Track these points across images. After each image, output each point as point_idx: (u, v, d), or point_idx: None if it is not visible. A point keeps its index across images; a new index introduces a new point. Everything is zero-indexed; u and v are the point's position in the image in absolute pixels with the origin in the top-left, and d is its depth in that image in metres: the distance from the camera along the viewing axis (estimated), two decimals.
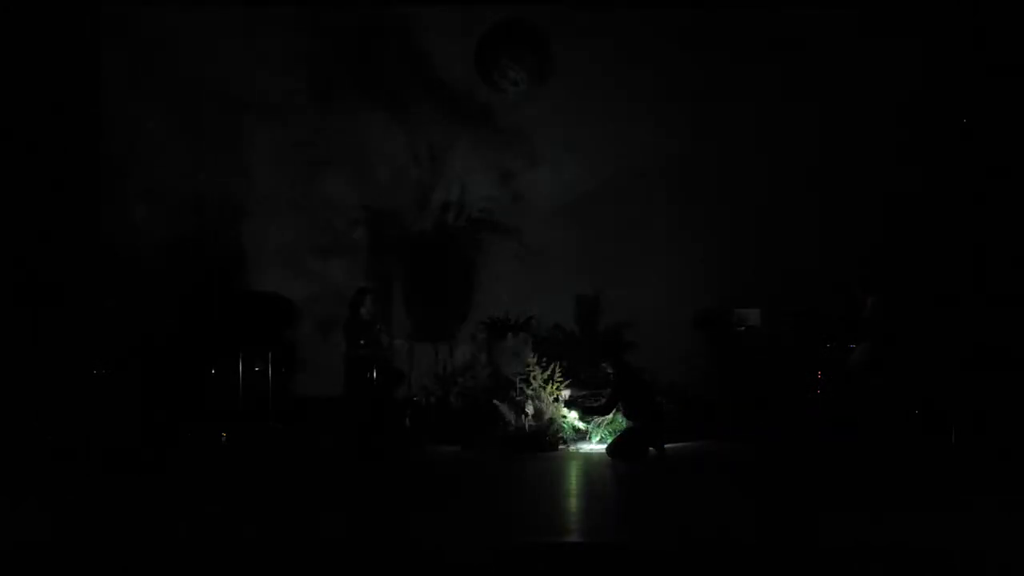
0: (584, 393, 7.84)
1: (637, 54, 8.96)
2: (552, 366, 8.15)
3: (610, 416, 7.63)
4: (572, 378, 7.98)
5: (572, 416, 7.70)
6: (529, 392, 7.95)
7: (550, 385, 7.95)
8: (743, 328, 8.32)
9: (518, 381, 8.18)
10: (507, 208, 8.46)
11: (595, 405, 7.56)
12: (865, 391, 7.58)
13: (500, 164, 8.98)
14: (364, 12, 8.99)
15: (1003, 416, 7.60)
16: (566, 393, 7.71)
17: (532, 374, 8.11)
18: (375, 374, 7.93)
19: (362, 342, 8.06)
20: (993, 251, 8.48)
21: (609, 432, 7.65)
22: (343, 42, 8.98)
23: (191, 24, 8.91)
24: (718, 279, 8.84)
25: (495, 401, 8.14)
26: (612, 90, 8.97)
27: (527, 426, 7.51)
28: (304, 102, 8.99)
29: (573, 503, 5.92)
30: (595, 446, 7.59)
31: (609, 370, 7.47)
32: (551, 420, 7.63)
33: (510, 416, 7.77)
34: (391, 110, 9.00)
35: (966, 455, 7.02)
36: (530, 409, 7.70)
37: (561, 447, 7.42)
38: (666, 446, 7.14)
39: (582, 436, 7.75)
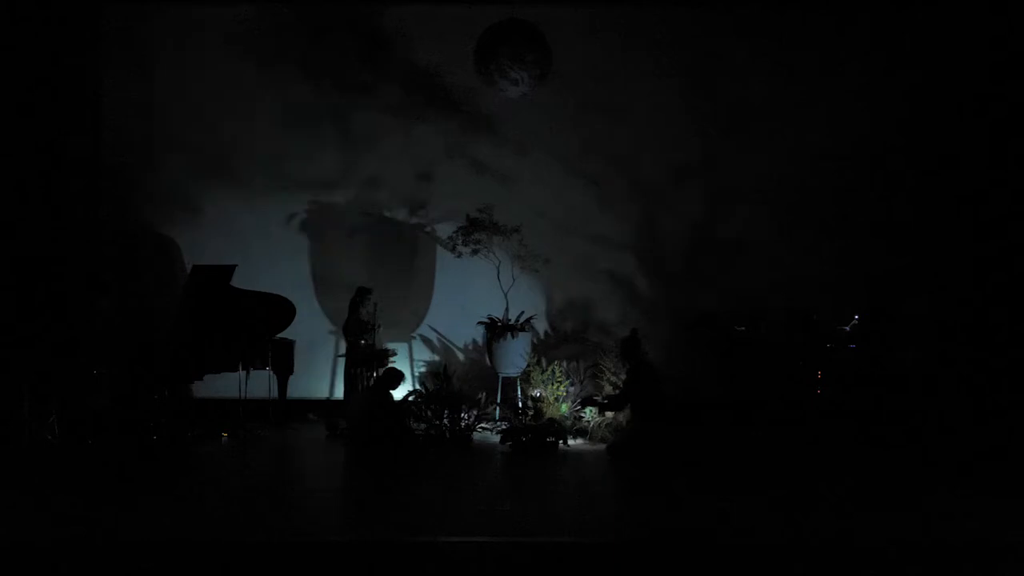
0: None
1: (638, 53, 8.96)
2: (551, 365, 8.16)
3: (609, 416, 7.64)
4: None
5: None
6: (529, 392, 7.97)
7: (551, 384, 7.97)
8: (742, 328, 8.32)
9: (518, 381, 8.20)
10: (506, 208, 8.45)
11: (604, 401, 7.57)
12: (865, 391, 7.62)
13: (500, 163, 8.98)
14: (363, 12, 8.99)
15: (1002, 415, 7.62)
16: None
17: (532, 373, 8.13)
18: (375, 374, 7.95)
19: (363, 342, 8.07)
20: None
21: (609, 431, 7.66)
22: (342, 42, 8.98)
23: (190, 23, 8.91)
24: (718, 279, 8.86)
25: (494, 401, 8.16)
26: (613, 89, 8.97)
27: (526, 425, 7.51)
28: (303, 101, 8.99)
29: (572, 502, 5.93)
30: (593, 444, 7.60)
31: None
32: (551, 419, 7.63)
33: (509, 415, 7.77)
34: (390, 109, 8.99)
35: (965, 454, 7.02)
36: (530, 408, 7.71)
37: (561, 445, 7.41)
38: (666, 446, 7.13)
39: (582, 434, 7.77)
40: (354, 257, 9.02)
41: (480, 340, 8.69)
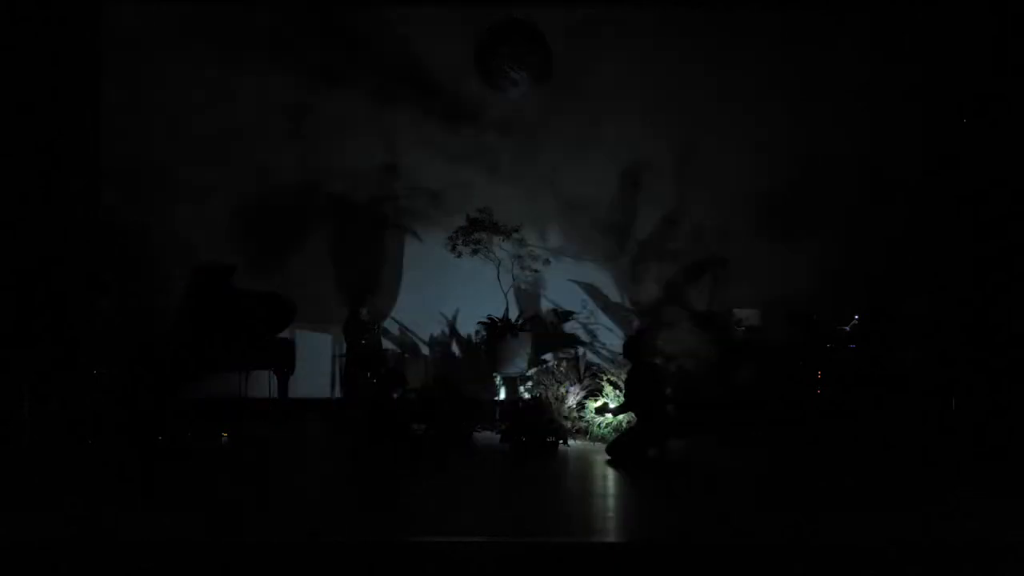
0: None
1: (637, 53, 8.96)
2: (551, 365, 8.15)
3: (611, 418, 7.63)
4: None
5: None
6: (530, 391, 7.96)
7: (551, 385, 7.96)
8: (743, 328, 8.32)
9: (518, 381, 8.20)
10: (507, 208, 8.45)
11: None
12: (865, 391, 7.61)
13: (500, 164, 8.99)
14: (363, 12, 8.99)
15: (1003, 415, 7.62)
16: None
17: (532, 374, 8.12)
18: (374, 375, 7.94)
19: (363, 342, 8.07)
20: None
21: (610, 431, 7.64)
22: (342, 41, 8.99)
23: (190, 23, 8.91)
24: (718, 279, 8.86)
25: (495, 401, 8.16)
26: (612, 90, 8.97)
27: (526, 425, 7.50)
28: (303, 100, 8.99)
29: (572, 502, 5.93)
30: (593, 444, 7.60)
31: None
32: (551, 419, 7.62)
33: (509, 415, 7.76)
34: (390, 110, 9.00)
35: (965, 454, 7.02)
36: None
37: (561, 445, 7.41)
38: (666, 446, 7.12)
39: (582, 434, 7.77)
40: (357, 253, 9.03)
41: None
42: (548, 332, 8.92)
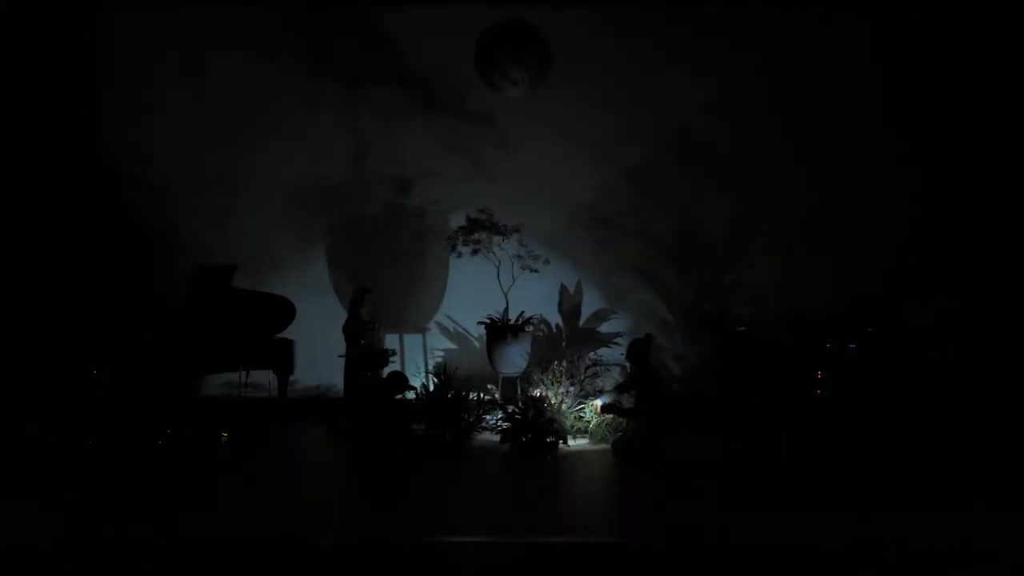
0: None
1: (637, 53, 8.96)
2: (552, 365, 8.14)
3: (608, 417, 7.61)
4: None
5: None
6: (530, 391, 7.95)
7: (551, 385, 7.95)
8: (743, 328, 8.32)
9: (518, 380, 8.19)
10: (507, 208, 8.45)
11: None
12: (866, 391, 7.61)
13: (500, 164, 8.99)
14: (364, 12, 9.00)
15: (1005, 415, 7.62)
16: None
17: (532, 373, 8.11)
18: (375, 374, 7.94)
19: (363, 342, 8.07)
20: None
21: (610, 431, 7.64)
22: (342, 41, 9.00)
23: (190, 22, 8.92)
24: (718, 280, 8.86)
25: (495, 400, 8.14)
26: (611, 90, 8.97)
27: (527, 425, 7.49)
28: (303, 101, 9.00)
29: (572, 502, 5.93)
30: (594, 444, 7.60)
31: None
32: (551, 419, 7.62)
33: (509, 415, 7.75)
34: (390, 109, 9.01)
35: (965, 454, 7.02)
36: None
37: (561, 445, 7.41)
38: (667, 446, 7.12)
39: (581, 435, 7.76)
40: (357, 253, 9.06)
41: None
42: (548, 332, 8.95)
